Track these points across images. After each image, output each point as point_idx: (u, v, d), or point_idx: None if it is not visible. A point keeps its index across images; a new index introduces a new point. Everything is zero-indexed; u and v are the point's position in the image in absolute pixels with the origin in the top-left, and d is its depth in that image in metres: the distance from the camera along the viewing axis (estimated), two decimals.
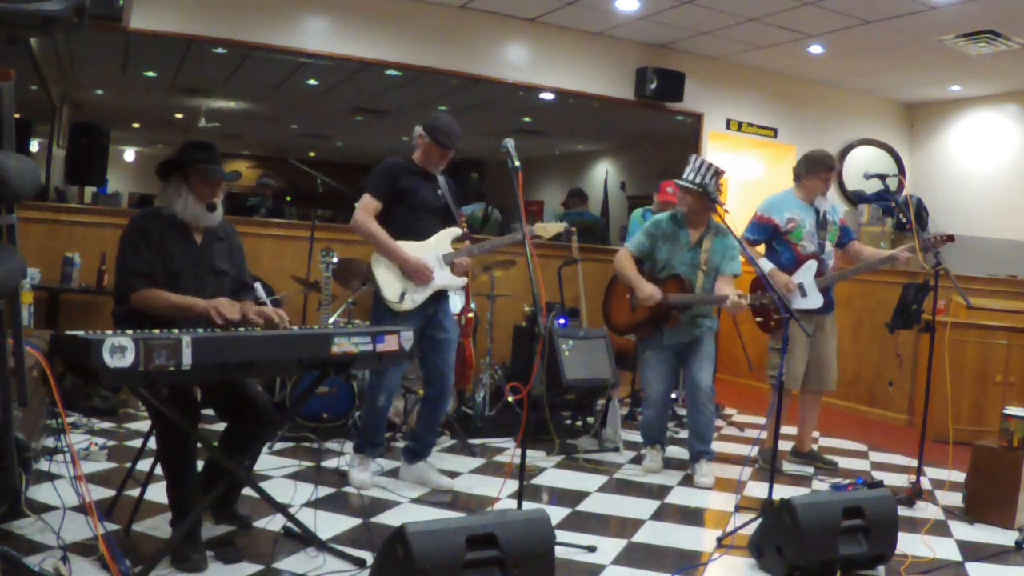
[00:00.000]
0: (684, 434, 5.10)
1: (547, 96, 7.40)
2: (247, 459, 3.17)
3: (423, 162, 4.06)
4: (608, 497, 4.18)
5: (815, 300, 4.69)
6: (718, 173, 4.42)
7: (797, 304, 4.63)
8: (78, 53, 6.84)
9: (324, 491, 3.75)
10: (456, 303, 5.22)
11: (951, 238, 4.52)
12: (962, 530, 3.89)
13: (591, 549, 3.33)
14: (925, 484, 4.51)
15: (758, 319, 4.77)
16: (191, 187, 3.14)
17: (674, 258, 4.52)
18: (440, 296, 4.11)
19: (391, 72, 6.83)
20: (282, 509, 3.19)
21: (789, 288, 4.61)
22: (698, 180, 4.38)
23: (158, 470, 3.09)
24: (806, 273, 4.68)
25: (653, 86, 7.20)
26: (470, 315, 5.60)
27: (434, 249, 4.05)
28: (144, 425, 4.57)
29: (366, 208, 3.95)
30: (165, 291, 3.03)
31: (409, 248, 3.96)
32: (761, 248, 4.85)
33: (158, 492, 3.19)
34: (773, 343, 4.80)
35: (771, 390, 4.86)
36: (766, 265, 4.67)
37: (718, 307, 4.60)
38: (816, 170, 4.75)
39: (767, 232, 4.78)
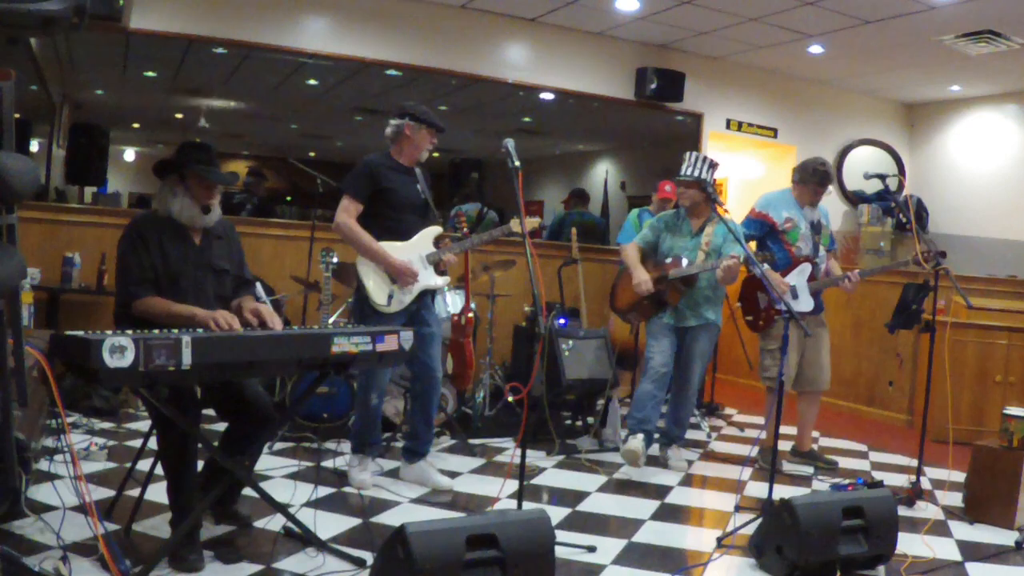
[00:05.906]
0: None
1: (547, 96, 7.40)
2: (247, 459, 3.17)
3: (408, 155, 4.02)
4: (608, 497, 4.18)
5: (806, 303, 4.68)
6: (713, 165, 4.58)
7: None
8: (78, 53, 6.84)
9: (324, 491, 3.75)
10: (456, 303, 5.23)
11: (943, 254, 4.52)
12: (962, 530, 3.89)
13: (591, 549, 3.33)
14: (925, 484, 4.51)
15: (748, 318, 4.78)
16: (187, 189, 3.13)
17: (676, 246, 4.66)
18: (424, 293, 4.09)
19: (391, 72, 6.84)
20: (282, 509, 3.18)
21: (782, 289, 4.62)
22: (696, 174, 4.53)
23: (158, 470, 3.09)
24: (800, 275, 4.68)
25: (653, 86, 7.21)
26: (470, 315, 5.60)
27: (417, 249, 4.03)
28: (144, 425, 4.57)
29: (347, 211, 3.91)
30: (166, 298, 3.02)
31: (392, 249, 3.94)
32: (752, 245, 4.84)
33: (158, 492, 3.19)
34: (764, 344, 4.80)
35: (767, 391, 4.87)
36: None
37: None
38: (807, 180, 4.77)
39: (762, 229, 4.78)
